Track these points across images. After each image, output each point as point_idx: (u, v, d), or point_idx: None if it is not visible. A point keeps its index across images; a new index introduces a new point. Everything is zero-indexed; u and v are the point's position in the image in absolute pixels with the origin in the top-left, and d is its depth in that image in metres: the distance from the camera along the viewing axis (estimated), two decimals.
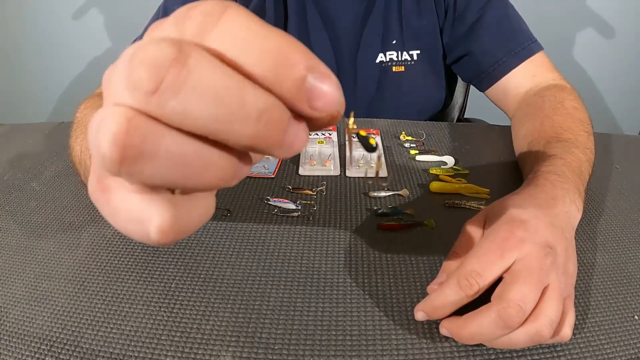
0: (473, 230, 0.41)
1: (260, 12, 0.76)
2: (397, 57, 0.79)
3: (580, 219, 0.44)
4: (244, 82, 0.15)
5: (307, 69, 0.15)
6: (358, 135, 0.22)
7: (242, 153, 0.17)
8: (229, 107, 0.15)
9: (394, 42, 0.78)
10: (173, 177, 0.15)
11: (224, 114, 0.15)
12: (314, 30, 0.77)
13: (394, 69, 0.79)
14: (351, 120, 0.20)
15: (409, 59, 0.79)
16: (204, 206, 0.18)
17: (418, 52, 0.79)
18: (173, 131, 0.15)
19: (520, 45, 0.72)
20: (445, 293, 0.36)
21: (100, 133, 0.14)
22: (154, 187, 0.16)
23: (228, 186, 0.17)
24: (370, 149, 0.23)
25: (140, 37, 0.72)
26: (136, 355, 0.36)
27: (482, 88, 0.77)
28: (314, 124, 0.17)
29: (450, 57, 0.80)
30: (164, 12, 0.73)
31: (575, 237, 0.41)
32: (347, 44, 0.78)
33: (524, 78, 0.71)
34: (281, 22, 0.77)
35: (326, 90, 0.15)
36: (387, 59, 0.79)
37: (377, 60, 0.79)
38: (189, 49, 0.14)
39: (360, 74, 0.79)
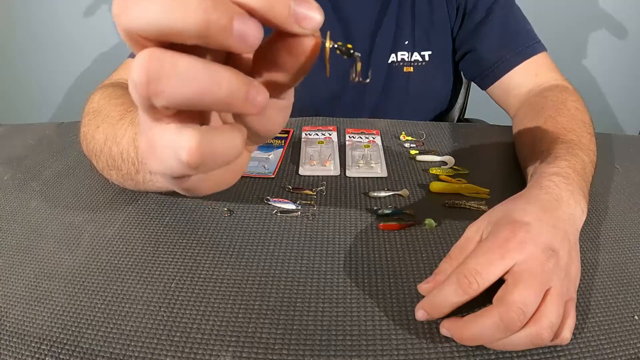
0: (472, 234, 0.41)
1: None
2: (408, 57, 0.79)
3: None
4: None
5: None
6: (338, 47, 0.24)
7: (249, 75, 0.21)
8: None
9: (406, 42, 0.79)
10: (189, 93, 0.19)
11: (169, 8, 0.18)
12: (328, 30, 0.76)
13: (405, 69, 0.80)
14: (327, 39, 0.23)
15: (420, 59, 0.79)
16: (229, 139, 0.22)
17: (429, 52, 0.79)
18: (184, 55, 0.19)
19: (523, 44, 0.72)
20: (445, 291, 0.36)
21: (134, 68, 0.19)
22: (182, 117, 0.21)
23: (245, 111, 0.21)
24: (348, 54, 0.25)
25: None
26: (136, 355, 0.36)
27: (484, 86, 0.77)
28: (302, 56, 0.22)
29: (457, 55, 0.81)
30: None
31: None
32: (361, 44, 0.78)
33: (526, 77, 0.71)
34: None
35: (309, 13, 0.20)
36: (399, 59, 0.79)
37: (389, 61, 0.79)
38: None
39: (372, 74, 0.79)
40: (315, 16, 0.20)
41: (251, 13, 0.19)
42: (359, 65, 0.27)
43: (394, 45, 0.78)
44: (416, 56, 0.79)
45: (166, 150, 0.21)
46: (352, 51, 0.25)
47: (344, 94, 0.80)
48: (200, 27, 0.18)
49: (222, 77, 0.20)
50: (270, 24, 0.20)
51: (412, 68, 0.80)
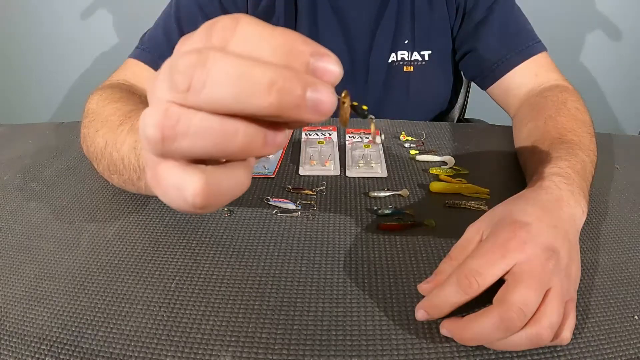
0: (472, 235, 0.41)
1: (269, 12, 0.75)
2: (408, 57, 0.79)
3: None
4: (252, 64, 0.19)
5: (311, 54, 0.19)
6: (353, 106, 0.24)
7: (272, 122, 0.20)
8: (243, 86, 0.18)
9: (406, 41, 0.79)
10: (206, 147, 0.20)
11: (241, 93, 0.19)
12: (327, 30, 0.77)
13: (405, 68, 0.80)
14: (344, 95, 0.23)
15: (420, 59, 0.79)
16: (235, 176, 0.22)
17: (429, 52, 0.79)
18: (199, 112, 0.19)
19: (523, 44, 0.72)
20: (445, 291, 0.36)
21: (146, 123, 0.19)
22: (193, 160, 0.21)
23: (265, 154, 0.21)
24: (363, 115, 0.25)
25: (149, 33, 0.72)
26: (136, 355, 0.36)
27: (485, 85, 0.77)
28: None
29: (457, 54, 0.80)
30: (176, 7, 0.73)
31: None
32: (360, 43, 0.78)
33: (526, 76, 0.71)
34: (292, 21, 0.77)
35: (328, 66, 0.20)
36: (399, 59, 0.79)
37: (389, 60, 0.79)
38: (207, 52, 0.19)
39: (371, 73, 0.80)
40: (334, 69, 0.20)
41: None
42: (372, 126, 0.28)
43: (394, 45, 0.78)
44: (416, 55, 0.79)
45: (172, 189, 0.21)
46: (366, 113, 0.25)
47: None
48: (273, 111, 0.19)
49: (237, 129, 0.20)
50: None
51: (412, 67, 0.80)
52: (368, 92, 0.81)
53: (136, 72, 0.67)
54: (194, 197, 0.20)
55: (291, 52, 0.19)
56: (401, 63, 0.79)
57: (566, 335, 0.35)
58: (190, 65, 0.19)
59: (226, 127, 0.19)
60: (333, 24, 0.77)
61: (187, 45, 0.21)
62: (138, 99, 0.57)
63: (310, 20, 0.76)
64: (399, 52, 0.79)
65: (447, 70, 0.82)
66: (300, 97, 0.19)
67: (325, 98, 0.19)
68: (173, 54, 0.20)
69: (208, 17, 0.71)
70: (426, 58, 0.79)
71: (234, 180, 0.22)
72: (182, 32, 0.70)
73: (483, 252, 0.37)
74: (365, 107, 0.25)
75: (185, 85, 0.19)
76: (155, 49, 0.69)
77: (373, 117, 0.26)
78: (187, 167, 0.21)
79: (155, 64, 0.67)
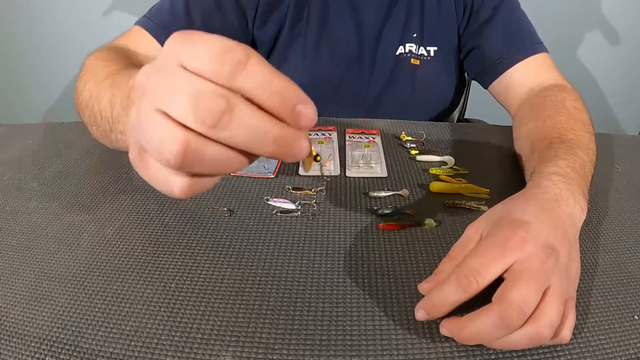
0: (472, 234, 0.41)
1: None
2: (416, 50, 0.81)
3: None
4: (266, 120, 0.25)
5: (298, 101, 0.25)
6: (313, 156, 0.31)
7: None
8: (256, 136, 0.24)
9: (415, 35, 0.80)
10: (211, 170, 0.26)
11: (252, 140, 0.25)
12: (338, 17, 0.78)
13: (412, 61, 0.81)
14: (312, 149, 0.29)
15: (426, 54, 0.81)
16: (216, 177, 0.28)
17: (435, 48, 0.81)
18: (214, 144, 0.24)
19: (525, 43, 0.74)
20: (444, 290, 0.36)
21: (164, 148, 0.24)
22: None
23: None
24: (316, 160, 0.32)
25: (157, 5, 0.72)
26: (136, 355, 0.36)
27: (486, 83, 0.78)
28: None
29: (462, 52, 0.82)
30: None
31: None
32: (370, 32, 0.79)
33: (526, 75, 0.72)
34: (304, 5, 0.77)
35: (308, 113, 0.26)
36: (407, 51, 0.81)
37: (397, 53, 0.81)
38: (234, 101, 0.24)
39: (378, 63, 0.81)
40: (313, 115, 0.26)
41: (264, 108, 0.25)
42: (321, 168, 0.35)
43: (402, 37, 0.80)
44: (422, 50, 0.81)
45: (160, 183, 0.26)
46: (319, 158, 0.33)
47: (350, 80, 0.82)
48: (269, 155, 0.26)
49: (237, 157, 0.26)
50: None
51: (418, 61, 0.81)
52: (373, 81, 0.82)
53: (139, 40, 0.69)
54: (180, 193, 0.26)
55: (284, 97, 0.25)
56: (408, 55, 0.81)
57: (566, 333, 0.35)
58: (219, 111, 0.23)
59: (230, 156, 0.25)
60: (345, 10, 0.78)
61: (199, 58, 0.24)
62: (128, 61, 0.59)
63: (323, 5, 0.78)
64: (407, 45, 0.81)
65: (452, 67, 0.83)
66: (291, 148, 0.26)
67: (305, 151, 0.26)
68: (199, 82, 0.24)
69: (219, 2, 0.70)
70: (432, 54, 0.81)
71: (215, 179, 0.28)
72: (188, 12, 0.71)
73: (482, 251, 0.37)
74: (318, 159, 0.33)
75: (212, 123, 0.23)
76: (162, 23, 0.70)
77: (320, 157, 0.34)
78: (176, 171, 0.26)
79: (159, 36, 0.69)
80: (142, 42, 0.69)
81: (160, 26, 0.70)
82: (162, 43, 0.70)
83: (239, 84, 0.24)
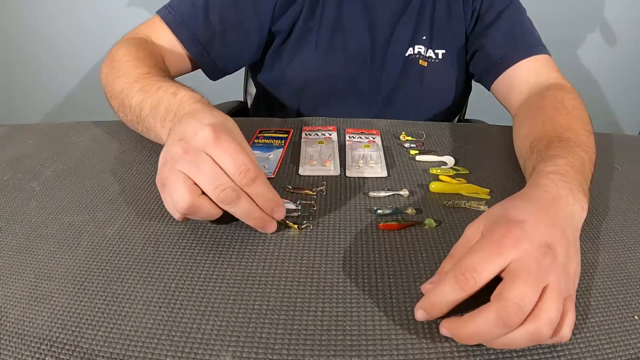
0: (472, 234, 0.41)
1: None
2: (424, 52, 0.82)
3: None
4: (255, 209, 0.45)
5: (276, 205, 0.46)
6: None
7: None
8: (245, 214, 0.45)
9: (424, 37, 0.82)
10: (204, 217, 0.45)
11: (242, 215, 0.45)
12: (352, 15, 0.80)
13: (420, 62, 0.83)
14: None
15: (434, 57, 0.83)
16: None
17: (443, 51, 0.82)
18: (212, 204, 0.44)
19: (528, 44, 0.75)
20: (442, 289, 0.36)
21: (177, 200, 0.43)
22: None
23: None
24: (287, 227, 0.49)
25: (170, 4, 0.75)
26: (136, 355, 0.36)
27: (489, 82, 0.79)
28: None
29: (468, 54, 0.83)
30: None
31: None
32: (382, 32, 0.81)
33: (527, 74, 0.73)
34: (318, 3, 0.78)
35: (280, 212, 0.47)
36: (415, 52, 0.82)
37: (407, 54, 0.82)
38: (242, 195, 0.43)
39: (388, 63, 0.82)
40: (282, 214, 0.47)
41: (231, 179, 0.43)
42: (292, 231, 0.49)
43: (413, 38, 0.81)
44: (430, 53, 0.82)
45: (168, 207, 0.45)
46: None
47: (361, 78, 0.83)
48: (251, 224, 0.46)
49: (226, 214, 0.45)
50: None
51: (426, 63, 0.83)
52: (383, 81, 0.83)
53: (160, 34, 0.74)
54: (178, 219, 0.45)
55: (271, 204, 0.45)
56: (417, 56, 0.82)
57: (566, 332, 0.35)
58: (232, 198, 0.43)
59: (219, 213, 0.45)
60: (358, 9, 0.80)
61: (226, 163, 0.43)
62: (154, 61, 0.66)
63: (338, 3, 0.79)
64: (416, 46, 0.82)
65: (459, 71, 0.85)
66: (265, 226, 0.46)
67: (272, 230, 0.47)
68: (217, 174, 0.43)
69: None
70: (440, 57, 0.82)
71: (213, 212, 0.45)
72: (207, 6, 0.73)
73: (479, 249, 0.37)
74: (296, 224, 0.49)
75: (224, 203, 0.43)
76: (181, 17, 0.73)
77: (297, 225, 0.49)
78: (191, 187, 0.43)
79: (178, 32, 0.73)
80: (163, 35, 0.73)
81: (179, 21, 0.73)
82: (180, 39, 0.74)
83: (248, 190, 0.43)
